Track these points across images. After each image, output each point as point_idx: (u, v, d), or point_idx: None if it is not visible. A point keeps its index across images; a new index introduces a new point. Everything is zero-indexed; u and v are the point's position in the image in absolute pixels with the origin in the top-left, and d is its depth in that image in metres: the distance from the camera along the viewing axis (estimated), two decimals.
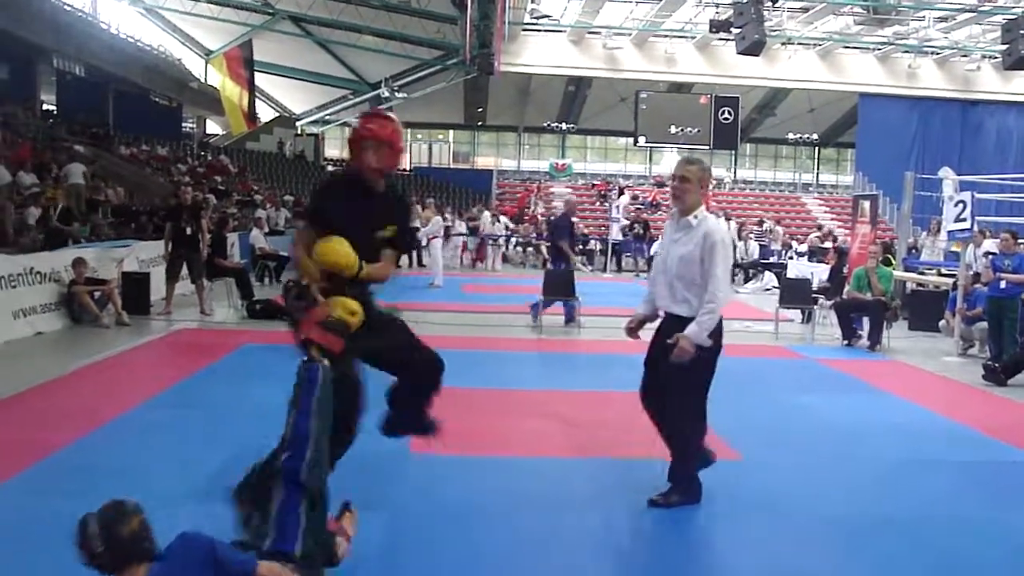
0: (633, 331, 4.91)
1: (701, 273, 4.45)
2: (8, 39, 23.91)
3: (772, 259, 20.89)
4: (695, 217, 4.55)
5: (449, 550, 4.11)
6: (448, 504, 4.69)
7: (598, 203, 33.07)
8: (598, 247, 25.34)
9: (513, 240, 26.33)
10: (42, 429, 5.97)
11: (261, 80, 36.84)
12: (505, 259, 25.45)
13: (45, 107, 27.87)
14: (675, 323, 4.55)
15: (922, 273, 15.63)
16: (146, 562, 2.71)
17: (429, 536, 4.28)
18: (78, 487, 4.79)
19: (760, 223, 27.23)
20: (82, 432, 5.83)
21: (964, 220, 11.26)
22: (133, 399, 6.85)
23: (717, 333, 4.54)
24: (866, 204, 17.45)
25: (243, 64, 32.19)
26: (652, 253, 22.69)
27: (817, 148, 47.21)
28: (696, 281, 4.48)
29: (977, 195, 11.74)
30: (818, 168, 48.12)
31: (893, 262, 15.75)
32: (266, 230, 19.47)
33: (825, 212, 37.17)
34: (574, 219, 14.04)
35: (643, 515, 4.67)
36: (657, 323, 4.85)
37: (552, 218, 13.43)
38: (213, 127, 41.91)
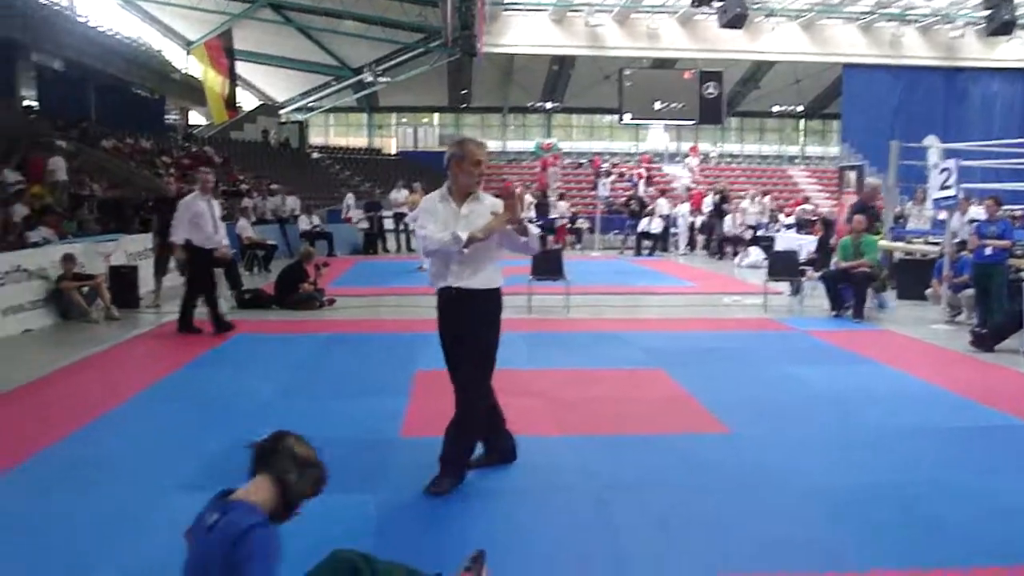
0: None
1: (492, 241, 4.69)
2: None
3: (761, 232, 20.86)
4: (479, 193, 4.78)
5: (437, 531, 4.15)
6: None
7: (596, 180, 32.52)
8: (586, 226, 25.31)
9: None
10: (35, 425, 5.98)
11: (243, 69, 36.63)
12: None
13: (27, 103, 27.62)
14: (468, 297, 4.68)
15: (909, 242, 15.69)
16: (271, 479, 2.97)
17: (417, 517, 4.32)
18: (72, 480, 4.82)
19: (749, 197, 27.21)
20: (75, 427, 5.85)
21: (949, 188, 11.31)
22: (125, 392, 6.86)
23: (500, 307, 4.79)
24: (852, 175, 17.56)
25: (224, 53, 31.97)
26: (643, 229, 22.73)
27: (802, 120, 47.27)
28: (491, 251, 4.72)
29: (961, 162, 11.79)
30: (804, 140, 48.16)
31: (880, 231, 15.80)
32: (253, 219, 19.41)
33: (812, 184, 37.22)
34: (872, 205, 12.87)
35: (629, 490, 4.71)
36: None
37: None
38: (196, 118, 41.64)
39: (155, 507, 4.42)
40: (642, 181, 32.40)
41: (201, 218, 9.69)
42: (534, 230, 4.80)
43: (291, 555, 3.84)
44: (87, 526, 4.16)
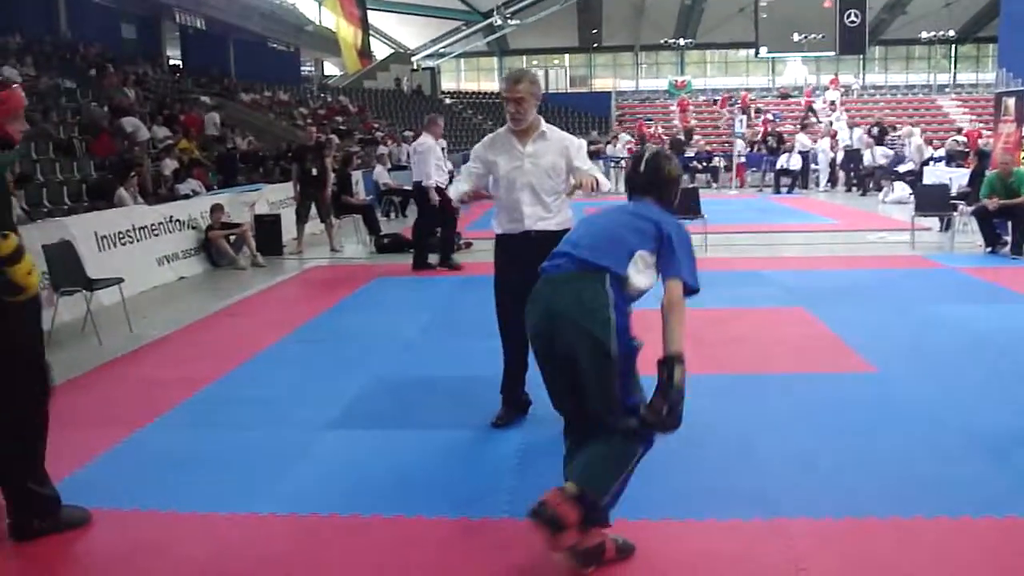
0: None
1: (563, 180, 4.57)
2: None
3: (908, 166, 19.83)
4: (545, 129, 4.60)
5: None
6: None
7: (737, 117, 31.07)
8: (722, 164, 24.70)
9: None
10: (192, 366, 6.30)
11: (374, 17, 37.08)
12: None
13: (171, 62, 28.79)
14: (545, 239, 4.32)
15: None
16: (654, 199, 3.40)
17: (559, 452, 4.36)
18: (227, 418, 5.07)
19: (893, 128, 25.99)
20: (228, 367, 6.13)
21: None
22: (273, 335, 7.14)
23: None
24: (1011, 102, 16.44)
25: (355, 3, 32.43)
26: (781, 166, 22.03)
27: (954, 45, 44.41)
28: (559, 189, 4.57)
29: None
30: (955, 67, 45.32)
31: None
32: (389, 166, 19.77)
33: (964, 114, 35.16)
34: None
35: (773, 429, 4.62)
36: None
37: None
38: (330, 68, 42.54)
39: (309, 443, 4.60)
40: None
41: (439, 160, 10.40)
42: (603, 183, 4.56)
43: (433, 480, 3.95)
44: (245, 460, 4.36)
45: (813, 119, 30.29)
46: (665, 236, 3.20)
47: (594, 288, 3.09)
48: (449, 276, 10.02)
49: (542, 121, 4.63)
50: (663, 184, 3.43)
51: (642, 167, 3.43)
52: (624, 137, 27.68)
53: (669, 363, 3.05)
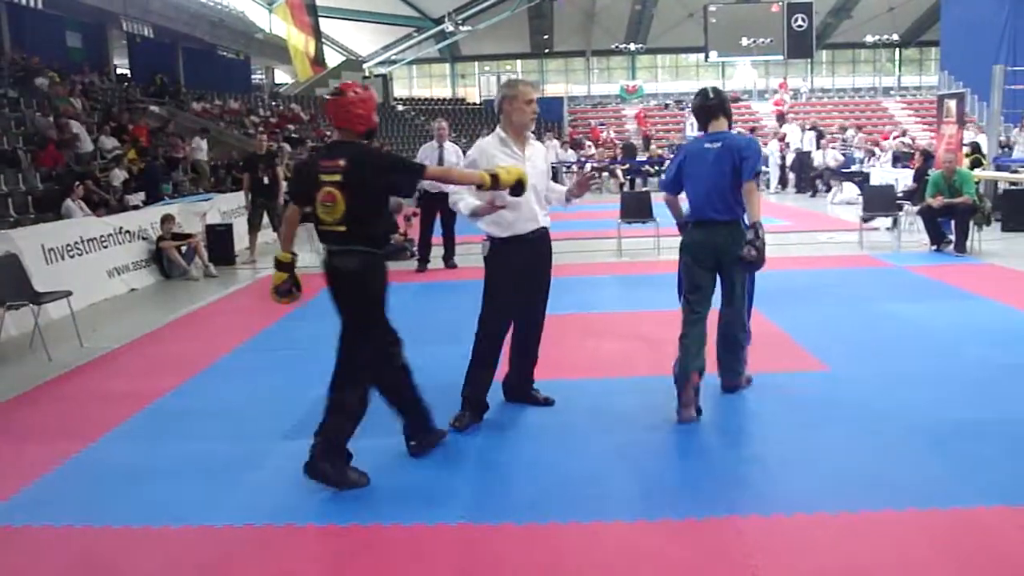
0: None
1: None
2: (78, 7, 24.36)
3: (855, 167, 20.17)
4: (529, 136, 4.84)
5: (536, 464, 4.19)
6: (534, 424, 4.85)
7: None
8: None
9: (588, 166, 26.09)
10: (145, 378, 6.23)
11: (325, 25, 36.85)
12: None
13: (119, 71, 28.33)
14: (545, 236, 4.89)
15: (1015, 171, 15.02)
16: (727, 122, 4.95)
17: (518, 453, 4.38)
18: (181, 430, 5.02)
19: (842, 130, 26.40)
20: (181, 379, 6.07)
21: None
22: (226, 345, 7.09)
23: None
24: (952, 103, 16.76)
25: (306, 11, 32.24)
26: None
27: (898, 49, 45.28)
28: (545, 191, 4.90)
29: None
30: (899, 70, 46.19)
31: (984, 161, 15.16)
32: None
33: (909, 116, 35.85)
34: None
35: (728, 428, 4.68)
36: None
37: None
38: (281, 76, 42.20)
39: (265, 453, 4.58)
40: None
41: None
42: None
43: (389, 487, 3.95)
44: (200, 472, 4.32)
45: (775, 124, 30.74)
46: (744, 157, 4.69)
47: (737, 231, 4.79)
48: (404, 283, 9.99)
49: None
50: (726, 101, 4.96)
51: (711, 94, 4.94)
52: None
53: (755, 226, 4.58)
